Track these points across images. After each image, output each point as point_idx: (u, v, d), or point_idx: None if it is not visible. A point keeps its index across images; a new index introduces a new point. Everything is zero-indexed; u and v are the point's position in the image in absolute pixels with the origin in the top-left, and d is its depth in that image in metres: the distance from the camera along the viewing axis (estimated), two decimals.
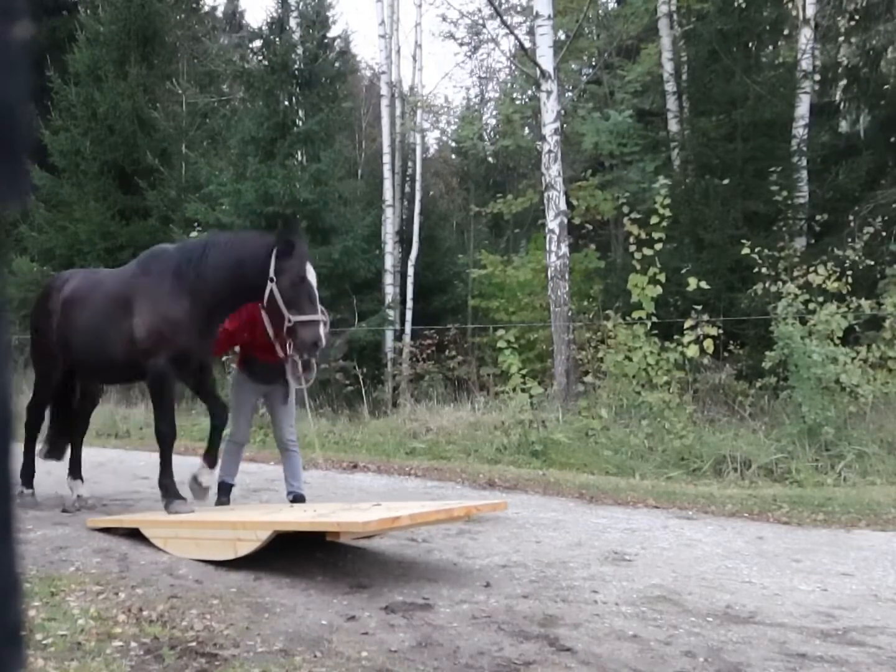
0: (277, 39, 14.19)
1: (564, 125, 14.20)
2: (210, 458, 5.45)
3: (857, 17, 13.47)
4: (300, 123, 13.91)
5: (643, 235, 9.84)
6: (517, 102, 20.49)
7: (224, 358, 9.38)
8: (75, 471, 6.15)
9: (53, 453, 6.22)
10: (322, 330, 5.01)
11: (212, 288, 5.14)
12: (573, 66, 19.04)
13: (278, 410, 5.76)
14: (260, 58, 14.87)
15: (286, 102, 14.09)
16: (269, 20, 14.66)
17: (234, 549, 4.34)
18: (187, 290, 5.16)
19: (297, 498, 5.66)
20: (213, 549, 4.47)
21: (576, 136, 15.66)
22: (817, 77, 13.43)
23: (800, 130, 12.48)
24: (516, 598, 3.96)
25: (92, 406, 6.59)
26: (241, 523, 4.51)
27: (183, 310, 5.15)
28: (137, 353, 5.23)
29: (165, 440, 5.36)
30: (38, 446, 6.24)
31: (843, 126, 14.41)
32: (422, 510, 4.39)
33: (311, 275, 5.11)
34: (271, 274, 5.00)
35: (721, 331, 9.92)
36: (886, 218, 11.27)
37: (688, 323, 9.71)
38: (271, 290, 5.02)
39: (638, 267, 9.92)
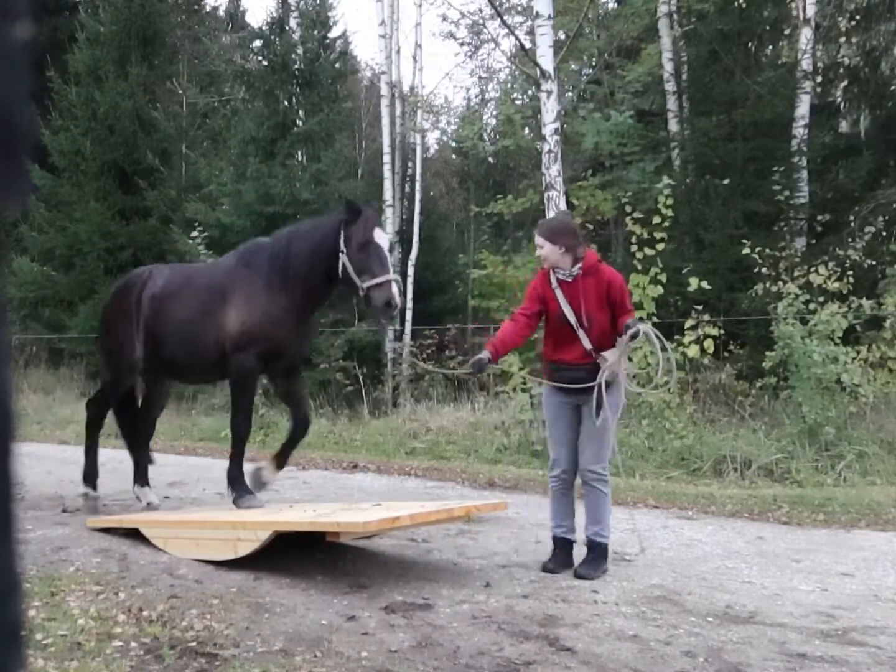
0: (277, 39, 14.19)
1: (564, 125, 14.19)
2: (279, 459, 5.33)
3: (857, 17, 13.46)
4: (300, 123, 13.91)
5: (645, 235, 9.83)
6: (517, 102, 20.49)
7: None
8: (142, 477, 5.99)
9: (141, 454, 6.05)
10: (395, 289, 4.76)
11: (300, 279, 5.03)
12: (573, 66, 19.03)
13: (585, 429, 4.43)
14: (260, 58, 14.87)
15: (286, 102, 14.10)
16: (269, 20, 14.67)
17: (234, 549, 4.35)
18: (280, 284, 5.06)
19: (592, 547, 4.40)
20: (214, 549, 4.47)
21: (576, 136, 15.64)
22: (818, 77, 13.42)
23: (800, 130, 12.47)
24: (516, 598, 3.96)
25: (159, 411, 6.47)
26: (241, 523, 4.51)
27: (277, 305, 5.05)
28: (226, 347, 5.14)
29: (240, 434, 5.29)
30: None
31: (844, 126, 14.41)
32: (422, 510, 4.39)
33: (380, 237, 4.93)
34: (341, 247, 4.90)
35: (721, 331, 9.91)
36: (887, 218, 11.27)
37: (688, 323, 9.71)
38: (343, 263, 4.88)
39: (639, 267, 9.91)
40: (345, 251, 4.89)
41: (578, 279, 4.40)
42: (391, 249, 4.97)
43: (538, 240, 4.48)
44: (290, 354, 5.24)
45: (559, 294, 4.41)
